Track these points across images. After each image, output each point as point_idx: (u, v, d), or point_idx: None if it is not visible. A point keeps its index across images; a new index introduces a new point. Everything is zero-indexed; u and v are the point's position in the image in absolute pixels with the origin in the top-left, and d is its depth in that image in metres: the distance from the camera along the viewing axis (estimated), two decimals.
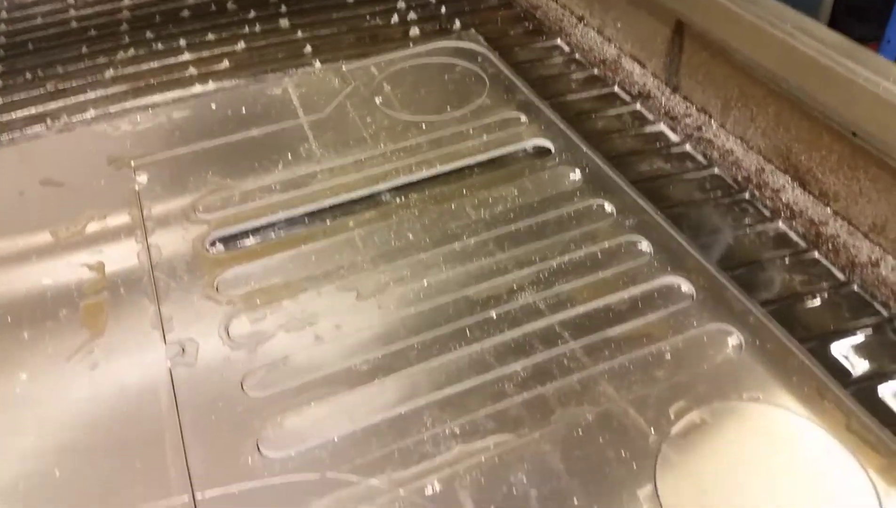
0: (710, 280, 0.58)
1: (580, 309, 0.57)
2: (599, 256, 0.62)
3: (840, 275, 0.60)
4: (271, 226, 0.69)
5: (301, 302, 0.60)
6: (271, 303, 0.60)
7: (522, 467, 0.47)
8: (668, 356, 0.53)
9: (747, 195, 0.69)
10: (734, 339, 0.54)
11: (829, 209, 0.63)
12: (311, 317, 0.59)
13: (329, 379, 0.54)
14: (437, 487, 0.46)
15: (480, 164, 0.74)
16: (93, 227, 0.70)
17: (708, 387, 0.51)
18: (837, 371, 0.52)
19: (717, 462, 0.46)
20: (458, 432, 0.49)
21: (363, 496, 0.46)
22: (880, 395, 0.51)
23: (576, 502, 0.45)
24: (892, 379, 0.52)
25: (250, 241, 0.68)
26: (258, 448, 0.50)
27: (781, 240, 0.64)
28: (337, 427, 0.51)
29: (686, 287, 0.58)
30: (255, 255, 0.66)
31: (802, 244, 0.63)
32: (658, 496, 0.45)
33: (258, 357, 0.56)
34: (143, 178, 0.76)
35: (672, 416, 0.49)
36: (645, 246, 0.63)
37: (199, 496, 0.47)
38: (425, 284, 0.61)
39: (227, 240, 0.68)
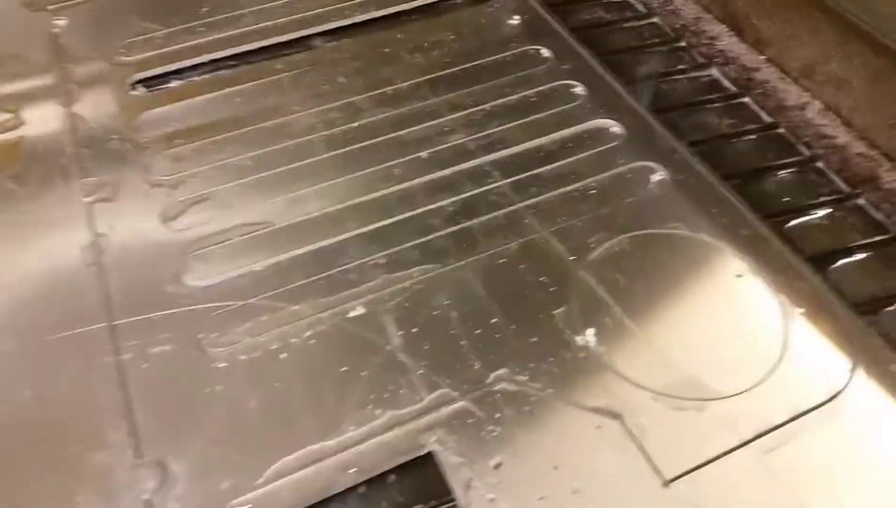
0: (640, 121, 0.58)
1: (511, 150, 0.57)
2: (534, 100, 0.61)
3: (767, 118, 0.60)
4: (196, 68, 0.66)
5: (225, 143, 0.59)
6: (193, 143, 0.58)
7: (445, 292, 0.48)
8: (593, 192, 0.54)
9: (684, 43, 0.68)
10: (658, 176, 0.54)
11: (762, 56, 0.63)
12: (236, 158, 0.57)
13: (253, 214, 0.53)
14: (361, 310, 0.47)
15: (417, 9, 0.71)
16: (7, 70, 0.66)
17: (629, 219, 0.51)
18: (758, 205, 0.53)
19: (631, 283, 0.48)
20: (383, 262, 0.50)
21: (285, 320, 0.47)
22: (793, 227, 0.53)
23: (495, 321, 0.46)
24: (806, 214, 0.53)
25: (174, 84, 0.65)
26: (179, 278, 0.49)
27: (714, 85, 0.64)
28: (260, 259, 0.50)
29: (616, 128, 0.58)
30: (178, 97, 0.63)
31: (734, 89, 0.63)
32: (572, 314, 0.46)
33: (180, 193, 0.55)
34: (61, 22, 0.71)
35: (592, 244, 0.50)
36: (579, 90, 0.62)
37: (119, 321, 0.47)
38: (356, 126, 0.59)
39: (150, 83, 0.65)
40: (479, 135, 0.58)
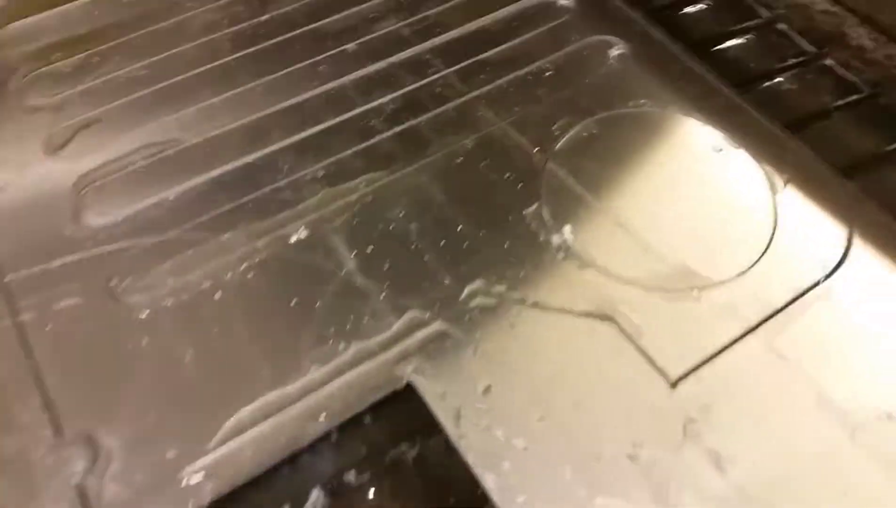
0: None
1: (451, 34, 0.50)
2: None
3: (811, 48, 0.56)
4: None
5: (112, 53, 0.49)
6: (74, 57, 0.49)
7: (399, 201, 0.41)
8: (548, 73, 0.48)
9: None
10: (617, 50, 0.49)
11: None
12: (126, 70, 0.48)
13: (155, 133, 0.44)
14: (304, 233, 0.40)
15: None
16: None
17: (592, 100, 0.46)
18: (724, 74, 0.48)
19: (603, 170, 0.43)
20: (321, 175, 0.43)
21: (215, 252, 0.39)
22: (762, 93, 0.48)
23: (460, 229, 0.40)
24: (774, 79, 0.49)
25: None
26: (78, 218, 0.41)
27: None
28: (172, 184, 0.42)
29: (564, 0, 0.52)
30: (49, 1, 0.52)
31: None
32: (543, 211, 0.41)
33: (64, 117, 0.45)
34: None
35: (556, 132, 0.44)
36: None
37: (10, 277, 0.39)
38: (265, 19, 0.51)
39: None
40: (413, 19, 0.51)
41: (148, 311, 0.37)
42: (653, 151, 0.44)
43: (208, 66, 0.48)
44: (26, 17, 0.51)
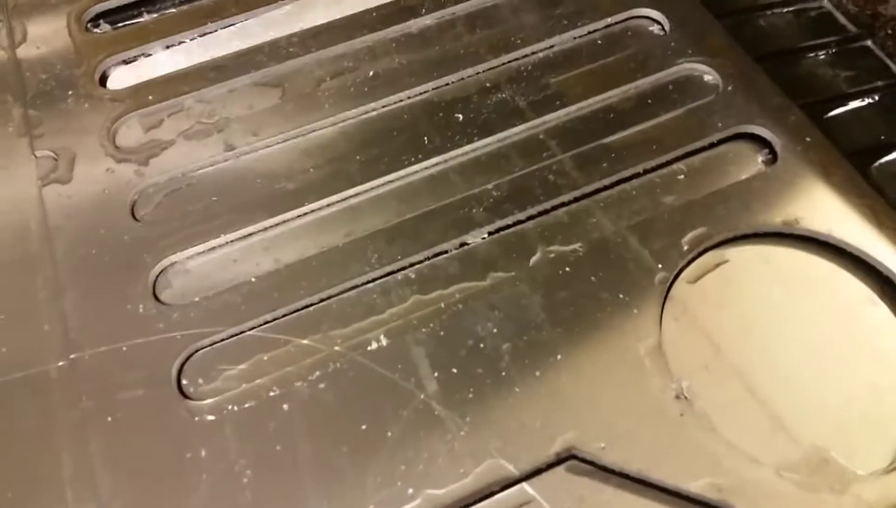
0: (741, 68, 0.45)
1: (571, 110, 0.44)
2: (599, 39, 0.48)
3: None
4: None
5: (208, 100, 0.46)
6: (169, 101, 0.46)
7: (493, 315, 0.37)
8: (682, 170, 0.41)
9: None
10: (766, 150, 0.42)
11: None
12: (222, 121, 0.45)
13: (244, 204, 0.41)
14: (384, 341, 0.36)
15: None
16: None
17: (733, 209, 0.39)
18: (883, 193, 0.41)
19: (739, 308, 0.37)
20: (412, 276, 0.38)
21: (290, 356, 0.36)
22: None
23: (559, 358, 0.35)
24: None
25: (144, 17, 0.52)
26: (153, 293, 0.39)
27: (827, 22, 0.50)
28: (255, 266, 0.39)
29: (710, 77, 0.45)
30: (150, 35, 0.50)
31: (853, 29, 0.49)
32: (661, 351, 0.35)
33: (153, 172, 0.43)
34: None
35: (685, 248, 0.38)
36: (659, 24, 0.48)
37: (77, 355, 0.37)
38: (371, 76, 0.47)
39: (114, 16, 0.52)
40: (530, 89, 0.45)
41: (213, 417, 0.35)
42: (796, 295, 0.37)
43: (305, 126, 0.44)
44: (125, 49, 0.49)
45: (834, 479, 0.31)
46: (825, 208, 0.39)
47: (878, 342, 0.36)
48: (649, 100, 0.44)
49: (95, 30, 0.52)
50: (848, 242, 0.38)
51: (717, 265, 0.38)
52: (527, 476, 0.32)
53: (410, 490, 0.32)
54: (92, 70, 0.48)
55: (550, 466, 0.32)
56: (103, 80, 0.48)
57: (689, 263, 0.38)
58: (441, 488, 0.32)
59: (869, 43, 0.49)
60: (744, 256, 0.39)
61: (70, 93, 0.47)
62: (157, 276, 0.39)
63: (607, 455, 0.32)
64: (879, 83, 0.47)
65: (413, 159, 0.42)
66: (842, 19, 0.51)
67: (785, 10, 0.52)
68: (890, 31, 0.49)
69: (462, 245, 0.39)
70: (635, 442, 0.33)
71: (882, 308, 0.36)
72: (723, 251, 0.39)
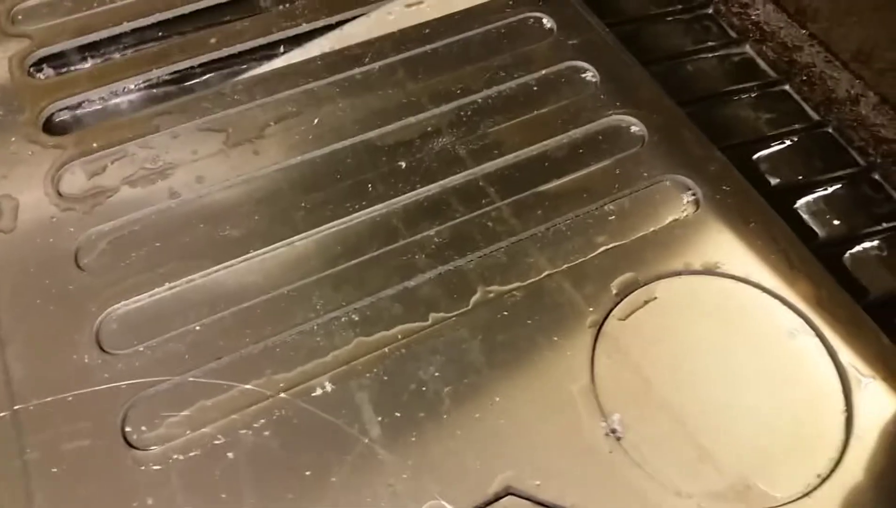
0: (666, 118, 0.48)
1: (509, 158, 0.46)
2: (534, 88, 0.50)
3: (813, 114, 0.51)
4: (115, 41, 0.53)
5: (152, 146, 0.47)
6: (113, 147, 0.47)
7: (434, 359, 0.38)
8: (612, 216, 0.44)
9: (711, 10, 0.57)
10: (690, 194, 0.45)
11: (805, 31, 0.53)
12: (166, 167, 0.46)
13: (189, 250, 0.42)
14: (328, 387, 0.37)
15: None
16: None
17: (659, 254, 0.42)
18: (803, 232, 0.44)
19: (666, 344, 0.39)
20: (356, 318, 0.40)
21: (234, 403, 0.37)
22: (846, 263, 0.44)
23: (497, 400, 0.37)
24: (860, 243, 0.44)
25: (88, 63, 0.53)
26: (98, 342, 0.39)
27: (748, 68, 0.54)
28: (199, 313, 0.40)
29: (637, 127, 0.48)
30: (95, 81, 0.51)
31: (772, 74, 0.53)
32: (593, 391, 0.37)
33: (96, 219, 0.43)
34: None
35: (614, 291, 0.40)
36: (590, 74, 0.51)
37: (21, 406, 0.37)
38: (315, 123, 0.48)
39: (58, 60, 0.52)
40: (470, 137, 0.47)
41: (158, 466, 0.35)
42: (721, 330, 0.39)
43: (244, 175, 0.45)
44: (69, 96, 0.50)
45: (756, 506, 0.34)
46: (744, 253, 0.42)
47: (800, 372, 0.38)
48: (581, 150, 0.47)
49: (39, 75, 0.52)
50: (765, 286, 0.41)
51: (647, 302, 0.41)
52: None
53: None
54: (35, 116, 0.48)
55: (488, 504, 0.34)
56: (47, 126, 0.49)
57: (618, 303, 0.40)
58: None
59: (787, 87, 0.52)
60: (671, 292, 0.41)
61: (13, 139, 0.47)
62: (101, 325, 0.40)
63: (543, 493, 0.34)
64: (797, 126, 0.50)
65: (357, 206, 0.44)
66: (762, 65, 0.54)
67: (710, 55, 0.55)
68: (805, 78, 0.52)
69: (405, 289, 0.41)
70: (569, 479, 0.34)
71: (799, 340, 0.39)
72: (652, 287, 0.41)
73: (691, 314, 0.40)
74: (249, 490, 0.34)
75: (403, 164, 0.46)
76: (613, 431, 0.36)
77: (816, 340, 0.39)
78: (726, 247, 0.42)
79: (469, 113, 0.49)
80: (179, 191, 0.45)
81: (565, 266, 0.41)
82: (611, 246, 0.42)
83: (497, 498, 0.34)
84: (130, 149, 0.47)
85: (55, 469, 0.35)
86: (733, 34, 0.55)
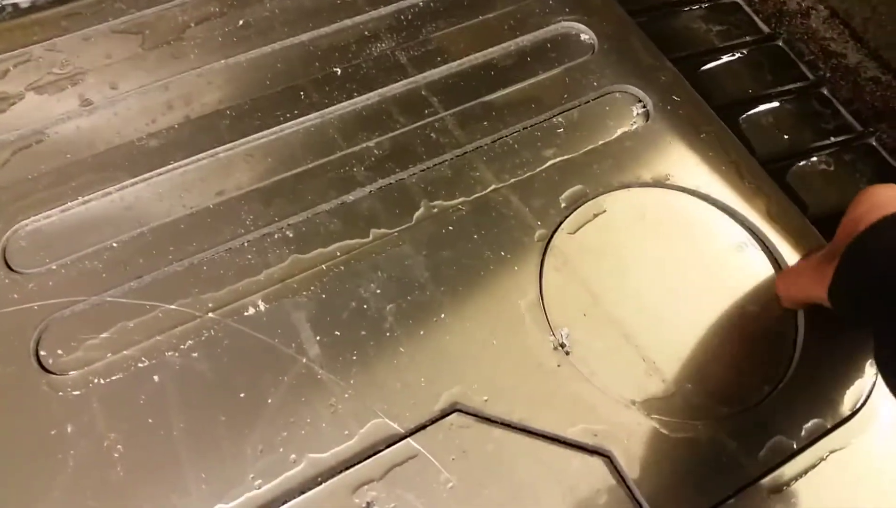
0: (617, 26, 0.46)
1: (453, 66, 0.44)
2: None
3: (764, 27, 0.49)
4: None
5: (60, 50, 0.42)
6: (15, 50, 0.42)
7: (376, 275, 0.36)
8: (560, 127, 0.42)
9: None
10: (640, 106, 0.43)
11: None
12: (76, 72, 0.41)
13: (103, 162, 0.38)
14: (262, 306, 0.35)
15: None
16: None
17: (608, 168, 0.40)
18: (751, 146, 0.43)
19: (614, 258, 0.38)
20: (290, 235, 0.37)
21: (158, 324, 0.34)
22: (791, 177, 0.43)
23: (443, 316, 0.35)
24: (807, 157, 0.43)
25: None
26: (5, 261, 0.35)
27: None
28: (116, 229, 0.36)
29: (586, 35, 0.46)
30: None
31: None
32: (541, 305, 0.36)
33: (0, 129, 0.39)
34: None
35: (563, 205, 0.39)
36: None
37: None
38: (241, 24, 0.44)
39: None
40: (411, 43, 0.44)
41: (78, 392, 0.32)
42: (669, 243, 0.38)
43: (166, 78, 0.41)
44: None
45: (702, 419, 0.33)
46: (694, 165, 0.41)
47: (747, 284, 0.38)
48: (528, 59, 0.44)
49: None
50: (715, 197, 0.40)
51: (596, 215, 0.39)
52: (411, 433, 0.32)
53: (293, 456, 0.31)
54: None
55: (434, 421, 0.33)
56: None
57: (566, 217, 0.38)
58: (325, 451, 0.32)
59: (740, 1, 0.51)
60: (620, 205, 0.40)
61: None
62: (9, 242, 0.36)
63: (490, 408, 0.33)
64: (748, 38, 0.49)
65: (289, 115, 0.41)
66: None
67: None
68: None
69: (343, 204, 0.38)
70: (517, 394, 0.33)
71: (747, 253, 0.38)
72: (601, 200, 0.40)
73: (640, 227, 0.39)
74: (178, 415, 0.32)
75: (339, 71, 0.43)
76: (562, 346, 0.35)
77: (763, 254, 0.38)
78: (676, 159, 0.41)
79: (409, 17, 0.45)
80: (91, 99, 0.40)
81: (512, 180, 0.40)
82: (559, 159, 0.40)
83: (444, 415, 0.33)
84: (36, 52, 0.42)
85: None
86: None
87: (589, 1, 0.47)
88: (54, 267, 0.35)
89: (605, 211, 0.39)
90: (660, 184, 0.40)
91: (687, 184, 0.40)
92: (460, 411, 0.33)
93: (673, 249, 0.38)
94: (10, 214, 0.36)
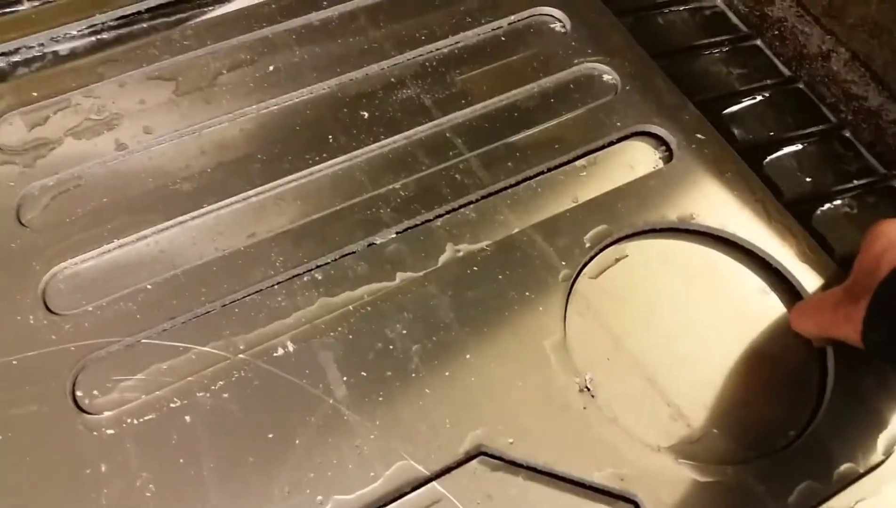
0: (639, 68, 0.46)
1: (477, 108, 0.44)
2: (503, 37, 0.48)
3: (785, 70, 0.50)
4: None
5: (97, 96, 0.44)
6: (55, 97, 0.44)
7: (402, 316, 0.37)
8: (584, 168, 0.42)
9: None
10: (663, 146, 0.43)
11: None
12: (112, 118, 0.43)
13: (138, 205, 0.39)
14: (290, 347, 0.36)
15: None
16: None
17: (632, 207, 0.40)
18: (773, 188, 0.43)
19: (639, 300, 0.38)
20: (319, 277, 0.38)
21: (190, 365, 0.35)
22: (815, 220, 0.43)
23: (468, 357, 0.36)
24: (830, 200, 0.43)
25: (24, 6, 0.49)
26: (44, 303, 0.37)
27: (719, 22, 0.52)
28: (151, 271, 0.38)
29: (609, 76, 0.46)
30: (32, 25, 0.47)
31: (743, 28, 0.52)
32: (565, 346, 0.36)
33: (39, 173, 0.41)
34: None
35: (588, 245, 0.39)
36: (560, 21, 0.49)
37: None
38: (270, 70, 0.45)
39: None
40: (436, 86, 0.45)
41: (112, 431, 0.33)
42: (693, 286, 0.39)
43: (196, 125, 0.43)
44: (7, 38, 0.46)
45: (730, 463, 0.33)
46: (719, 204, 0.41)
47: (772, 328, 0.37)
48: (552, 99, 0.45)
49: None
50: (740, 236, 0.40)
51: (618, 260, 0.40)
52: (437, 476, 0.32)
53: (319, 498, 0.32)
54: None
55: (460, 464, 0.33)
56: None
57: (590, 259, 0.39)
58: (351, 493, 0.32)
59: (758, 42, 0.51)
60: (643, 250, 0.40)
61: None
62: (47, 285, 0.37)
63: (515, 451, 0.33)
64: (768, 81, 0.49)
65: (317, 158, 0.42)
66: (734, 19, 0.53)
67: (682, 8, 0.54)
68: (777, 32, 0.51)
69: (370, 246, 0.39)
70: (542, 437, 0.33)
71: (772, 297, 0.38)
72: (623, 246, 0.40)
73: (662, 271, 0.39)
74: (209, 455, 0.33)
75: (366, 115, 0.44)
76: (587, 388, 0.35)
77: (789, 296, 0.38)
78: (701, 199, 0.41)
79: (435, 62, 0.46)
80: (127, 143, 0.42)
81: (536, 220, 0.40)
82: (584, 199, 0.41)
83: (469, 458, 0.33)
84: (74, 98, 0.44)
85: (1, 437, 0.33)
86: None
87: (611, 42, 0.47)
88: (90, 308, 0.36)
89: (626, 255, 0.39)
90: (684, 223, 0.40)
91: (712, 223, 0.40)
92: (485, 454, 0.33)
93: (696, 292, 0.39)
94: (49, 257, 0.38)
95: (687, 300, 0.38)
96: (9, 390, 0.34)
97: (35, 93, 0.44)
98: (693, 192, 0.41)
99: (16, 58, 0.46)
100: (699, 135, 0.43)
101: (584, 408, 0.34)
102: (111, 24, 0.48)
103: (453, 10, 0.49)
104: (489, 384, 0.35)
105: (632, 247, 0.40)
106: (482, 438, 0.33)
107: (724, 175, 0.42)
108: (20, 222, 0.39)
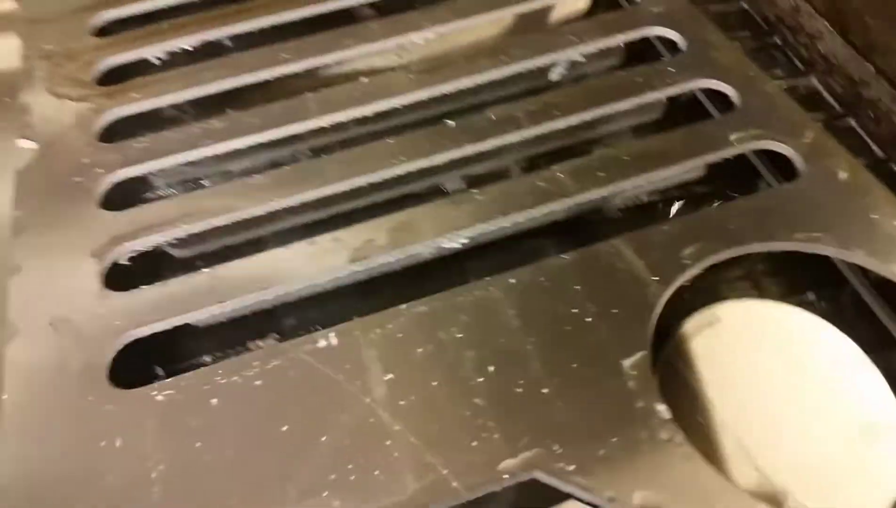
0: (757, 84, 0.41)
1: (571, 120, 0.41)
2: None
3: (879, 152, 0.45)
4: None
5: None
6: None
7: (458, 319, 0.32)
8: (696, 182, 0.37)
9: (778, 39, 0.52)
10: (781, 162, 0.38)
11: (872, 66, 0.46)
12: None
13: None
14: (334, 340, 0.32)
15: None
16: None
17: (748, 222, 0.35)
18: None
19: (728, 367, 0.32)
20: None
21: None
22: None
23: (529, 369, 0.30)
24: None
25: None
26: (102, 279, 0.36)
27: (814, 99, 0.48)
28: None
29: (728, 92, 0.41)
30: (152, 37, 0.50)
31: (838, 108, 0.47)
32: (646, 366, 0.30)
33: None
34: None
35: (685, 261, 0.33)
36: (675, 42, 0.45)
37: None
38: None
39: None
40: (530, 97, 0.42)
41: (135, 408, 0.31)
42: (787, 354, 0.32)
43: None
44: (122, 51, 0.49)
45: None
46: (847, 225, 0.34)
47: (863, 407, 0.31)
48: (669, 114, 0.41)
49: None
50: (873, 261, 0.33)
51: (710, 324, 0.34)
52: (476, 500, 0.27)
53: (336, 503, 0.27)
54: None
55: (506, 478, 0.27)
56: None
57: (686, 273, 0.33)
58: (373, 503, 0.27)
59: (852, 122, 0.47)
60: (735, 315, 0.35)
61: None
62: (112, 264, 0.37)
63: (575, 479, 0.27)
64: (862, 162, 0.44)
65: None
66: (828, 97, 0.49)
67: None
68: (871, 114, 0.46)
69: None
70: (608, 466, 0.27)
71: (870, 373, 0.32)
72: (715, 310, 0.35)
73: (755, 337, 0.34)
74: (229, 443, 0.29)
75: (454, 124, 0.41)
76: (664, 417, 0.29)
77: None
78: (827, 220, 0.34)
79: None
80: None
81: (629, 232, 0.35)
82: (690, 214, 0.36)
83: (518, 482, 0.27)
84: None
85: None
86: (800, 65, 0.51)
87: (724, 60, 0.43)
88: (143, 288, 0.35)
89: (720, 319, 0.34)
90: (810, 244, 0.34)
91: (840, 247, 0.33)
92: (540, 479, 0.27)
93: (788, 361, 0.33)
94: (117, 237, 0.37)
95: (779, 367, 0.33)
96: (48, 354, 0.33)
97: None
98: (818, 213, 0.35)
99: None
100: (825, 154, 0.37)
101: (666, 439, 0.28)
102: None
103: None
104: (549, 400, 0.29)
105: (725, 309, 0.35)
106: (536, 461, 0.28)
107: (854, 196, 0.35)
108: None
